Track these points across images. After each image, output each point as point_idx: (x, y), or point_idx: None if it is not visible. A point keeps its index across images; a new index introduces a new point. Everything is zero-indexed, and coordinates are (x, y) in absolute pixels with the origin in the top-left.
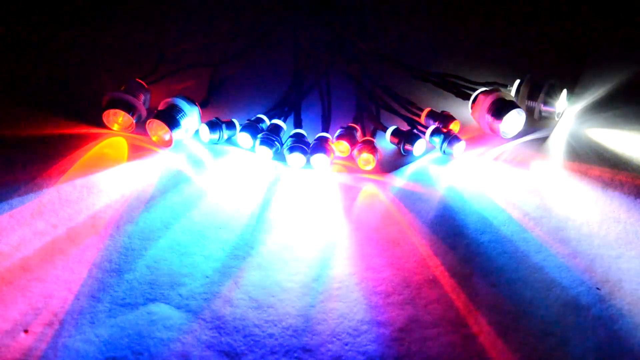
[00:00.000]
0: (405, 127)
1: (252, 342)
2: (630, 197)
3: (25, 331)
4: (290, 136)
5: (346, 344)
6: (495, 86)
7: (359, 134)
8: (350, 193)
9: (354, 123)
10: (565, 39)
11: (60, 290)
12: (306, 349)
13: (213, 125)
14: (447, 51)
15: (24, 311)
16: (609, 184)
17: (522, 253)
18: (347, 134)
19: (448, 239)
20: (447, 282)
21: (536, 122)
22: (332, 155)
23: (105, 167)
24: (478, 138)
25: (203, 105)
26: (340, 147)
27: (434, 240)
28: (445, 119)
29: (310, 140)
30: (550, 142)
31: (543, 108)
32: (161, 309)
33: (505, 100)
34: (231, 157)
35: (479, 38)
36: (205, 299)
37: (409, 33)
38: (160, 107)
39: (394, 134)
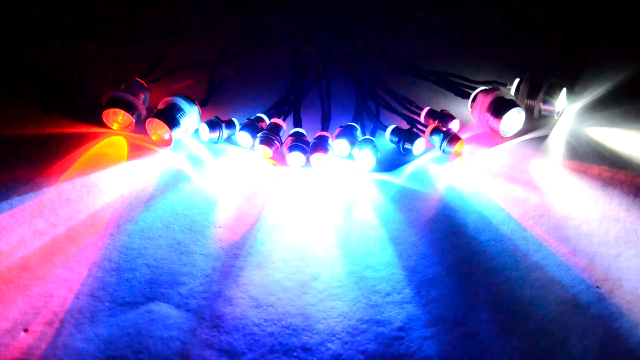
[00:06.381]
0: (404, 125)
1: (251, 341)
2: (630, 195)
3: (25, 330)
4: (290, 135)
5: (346, 343)
6: (494, 85)
7: (358, 132)
8: (350, 192)
9: (353, 122)
10: (565, 37)
11: (60, 290)
12: (306, 348)
13: (213, 125)
14: (447, 50)
15: (23, 310)
16: (608, 182)
17: (521, 252)
18: (347, 133)
19: (447, 238)
20: (446, 281)
21: (536, 121)
22: (331, 154)
23: (105, 166)
24: (478, 137)
25: (203, 104)
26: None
27: (433, 239)
28: (444, 117)
29: (310, 139)
30: (549, 141)
31: (542, 107)
32: (161, 308)
33: (504, 99)
34: (231, 156)
35: (478, 37)
36: (205, 298)
37: (409, 31)
38: (159, 106)
39: (393, 132)
